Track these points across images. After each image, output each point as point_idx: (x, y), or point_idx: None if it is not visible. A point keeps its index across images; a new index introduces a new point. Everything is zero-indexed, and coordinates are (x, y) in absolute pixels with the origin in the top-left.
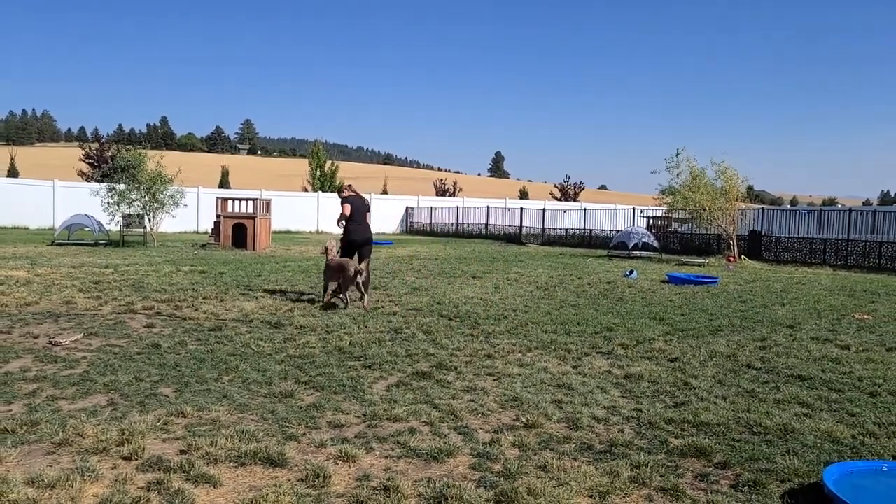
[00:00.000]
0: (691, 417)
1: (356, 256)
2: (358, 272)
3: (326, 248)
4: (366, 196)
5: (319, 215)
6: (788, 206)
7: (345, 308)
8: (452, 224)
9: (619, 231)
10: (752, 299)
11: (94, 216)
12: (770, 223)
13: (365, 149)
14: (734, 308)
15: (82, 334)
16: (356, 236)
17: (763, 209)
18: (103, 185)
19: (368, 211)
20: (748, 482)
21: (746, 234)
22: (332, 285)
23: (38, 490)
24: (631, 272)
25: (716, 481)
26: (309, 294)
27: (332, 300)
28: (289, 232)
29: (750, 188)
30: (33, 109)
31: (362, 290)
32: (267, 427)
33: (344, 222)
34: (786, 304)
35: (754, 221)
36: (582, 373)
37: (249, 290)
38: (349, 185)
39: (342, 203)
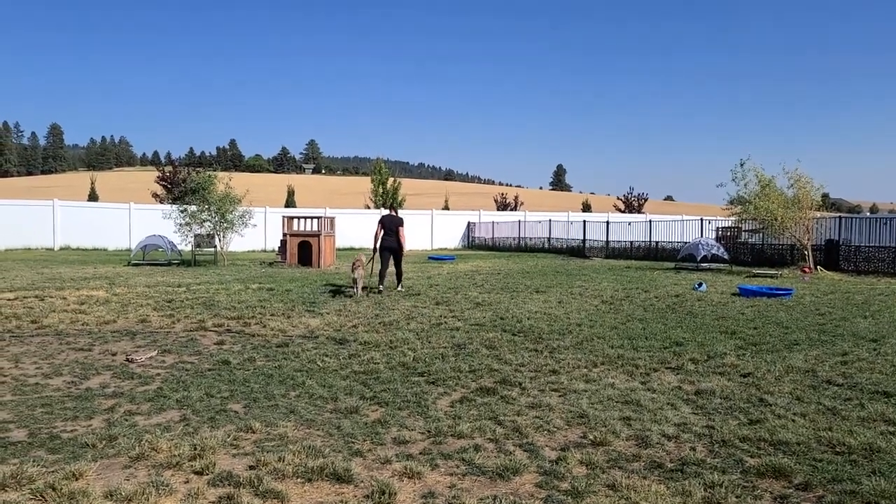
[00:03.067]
0: (768, 435)
1: (390, 259)
2: (354, 269)
3: (355, 259)
4: (427, 212)
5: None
6: (868, 214)
7: (353, 295)
8: (514, 238)
9: (686, 242)
10: (830, 312)
11: (167, 237)
12: (848, 232)
13: (426, 165)
14: (811, 321)
15: (157, 351)
16: (383, 245)
17: (840, 217)
18: (175, 206)
19: (401, 225)
20: None
21: (822, 243)
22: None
23: (115, 503)
24: (700, 285)
25: (797, 503)
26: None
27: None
28: (352, 249)
29: (825, 196)
30: (111, 136)
31: (358, 284)
32: (333, 443)
33: (380, 236)
34: (868, 317)
35: (831, 230)
36: (651, 388)
37: (315, 306)
38: (390, 205)
39: (378, 222)
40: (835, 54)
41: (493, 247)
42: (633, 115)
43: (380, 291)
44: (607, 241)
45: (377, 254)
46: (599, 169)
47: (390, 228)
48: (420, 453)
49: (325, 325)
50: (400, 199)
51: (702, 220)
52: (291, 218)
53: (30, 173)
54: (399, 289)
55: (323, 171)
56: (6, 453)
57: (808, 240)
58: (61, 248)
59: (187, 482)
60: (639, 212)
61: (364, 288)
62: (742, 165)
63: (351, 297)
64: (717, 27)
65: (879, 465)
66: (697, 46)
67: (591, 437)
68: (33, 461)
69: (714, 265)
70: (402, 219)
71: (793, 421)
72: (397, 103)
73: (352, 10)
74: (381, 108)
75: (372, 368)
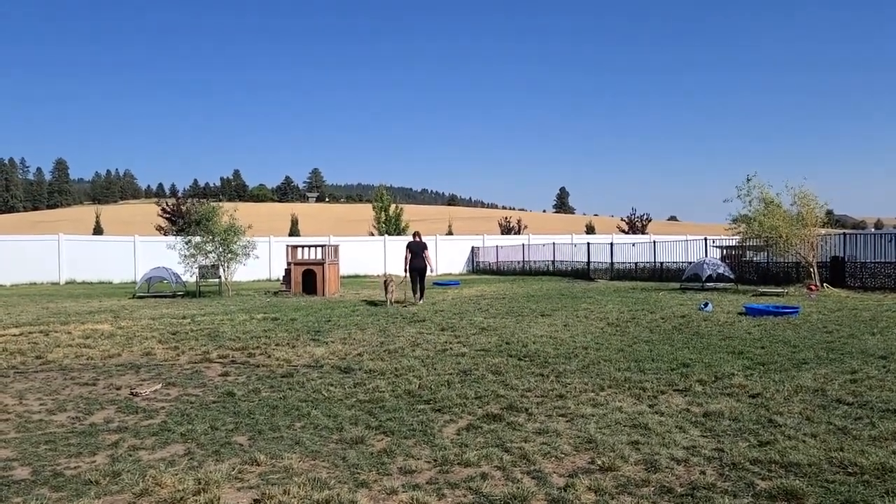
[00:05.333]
0: (778, 457)
1: (417, 278)
2: (387, 284)
3: (387, 278)
4: (431, 237)
5: (387, 258)
6: (873, 230)
7: (387, 305)
8: (519, 262)
9: (691, 262)
10: (838, 329)
11: (172, 269)
12: (853, 248)
13: (429, 191)
14: (819, 339)
15: (161, 384)
16: (412, 266)
17: (845, 234)
18: (179, 238)
19: (425, 249)
20: None
21: (827, 260)
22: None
23: None
24: (706, 304)
25: None
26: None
27: (389, 299)
28: (357, 276)
29: (829, 212)
30: (116, 170)
31: (390, 296)
32: (338, 474)
33: (409, 259)
34: (876, 334)
35: (836, 247)
36: (658, 411)
37: (319, 335)
38: (415, 232)
39: (406, 247)
40: (837, 71)
41: (498, 271)
42: (635, 136)
43: (415, 303)
44: (612, 263)
45: (408, 274)
46: (603, 191)
47: (416, 252)
48: (427, 483)
49: (330, 353)
50: (403, 225)
51: (706, 239)
52: (295, 247)
53: (35, 208)
54: (421, 302)
55: (327, 199)
56: (9, 492)
57: (814, 257)
58: (67, 282)
59: None
60: (642, 232)
61: (394, 301)
62: (748, 182)
63: (382, 305)
64: (720, 46)
65: (893, 485)
66: (700, 66)
67: (600, 462)
68: (36, 499)
69: (719, 284)
70: (426, 244)
71: (803, 442)
72: (400, 130)
73: (353, 39)
74: (383, 136)
75: (377, 397)
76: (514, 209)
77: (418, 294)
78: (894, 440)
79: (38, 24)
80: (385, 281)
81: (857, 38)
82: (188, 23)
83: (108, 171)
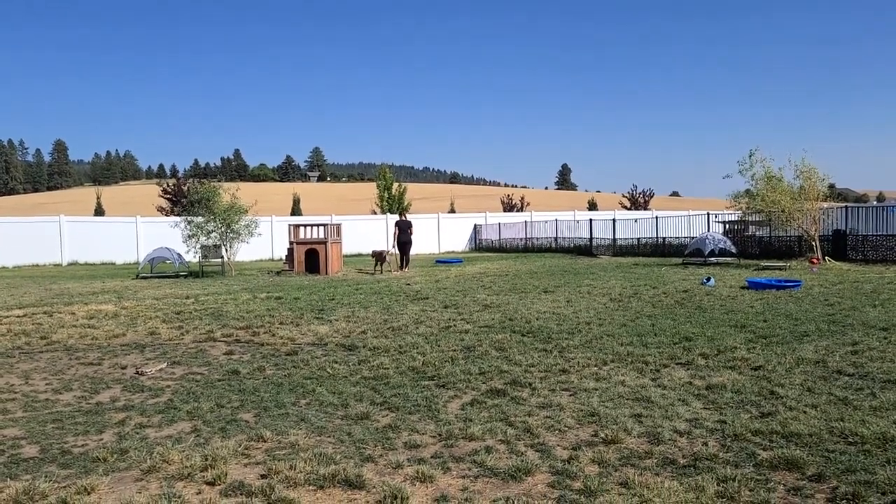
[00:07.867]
0: (780, 428)
1: (403, 251)
2: (383, 256)
3: (384, 251)
4: (433, 215)
5: (389, 237)
6: (875, 203)
7: (378, 273)
8: (521, 239)
9: (693, 238)
10: (839, 302)
11: (174, 249)
12: (855, 221)
13: (431, 169)
14: (821, 312)
15: (166, 363)
16: (400, 240)
17: (847, 207)
18: (181, 218)
19: (410, 227)
20: (846, 495)
21: (829, 234)
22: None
23: None
24: (708, 279)
25: (810, 495)
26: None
27: (377, 270)
28: (360, 255)
29: (831, 186)
30: (116, 151)
31: (382, 266)
32: (344, 449)
33: (397, 234)
34: (878, 306)
35: (838, 221)
36: (661, 385)
37: (323, 313)
38: (401, 212)
39: (395, 224)
40: (837, 44)
41: (501, 248)
42: (636, 111)
43: (402, 269)
44: (614, 239)
45: (396, 248)
46: (605, 167)
47: (403, 229)
48: (432, 457)
49: (334, 331)
50: (406, 203)
51: (708, 214)
52: (298, 226)
53: (36, 190)
54: (406, 271)
55: (328, 179)
56: (18, 469)
57: (816, 231)
58: (69, 264)
59: (199, 493)
60: (645, 208)
61: (388, 270)
62: (750, 157)
63: (373, 275)
64: (718, 19)
65: (893, 454)
66: (699, 40)
67: (603, 435)
68: (45, 477)
69: (722, 259)
70: (411, 222)
71: (804, 412)
72: (401, 108)
73: (353, 18)
74: (384, 114)
75: (381, 374)
76: (516, 187)
77: (405, 264)
78: (895, 410)
79: (36, 3)
80: (383, 255)
81: (857, 10)
82: (187, 2)
83: (108, 153)
